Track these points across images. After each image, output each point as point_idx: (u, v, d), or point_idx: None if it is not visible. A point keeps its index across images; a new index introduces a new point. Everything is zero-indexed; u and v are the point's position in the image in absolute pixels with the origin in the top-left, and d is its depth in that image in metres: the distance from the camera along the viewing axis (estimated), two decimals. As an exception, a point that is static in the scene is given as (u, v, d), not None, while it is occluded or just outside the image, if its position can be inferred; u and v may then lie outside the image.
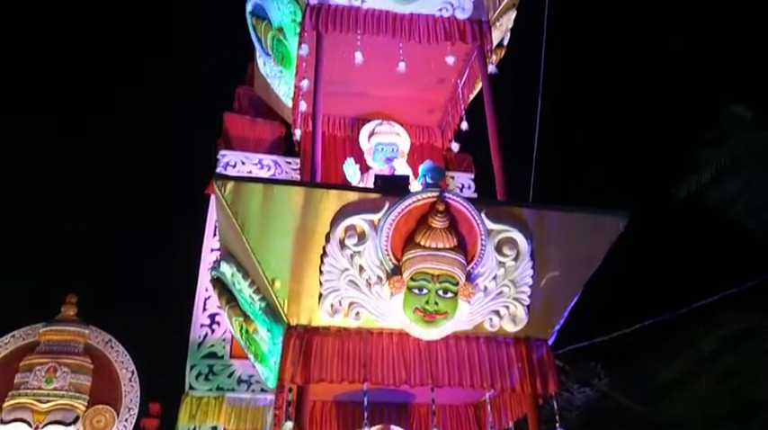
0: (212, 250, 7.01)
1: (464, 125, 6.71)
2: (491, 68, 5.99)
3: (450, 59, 6.01)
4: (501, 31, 6.49)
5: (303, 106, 6.45)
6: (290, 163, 7.75)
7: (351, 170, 6.17)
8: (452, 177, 7.85)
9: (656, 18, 15.73)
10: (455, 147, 7.11)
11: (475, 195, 7.71)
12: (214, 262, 6.26)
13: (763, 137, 7.95)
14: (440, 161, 7.19)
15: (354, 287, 4.44)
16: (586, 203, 5.20)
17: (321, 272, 4.41)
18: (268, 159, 7.73)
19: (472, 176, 7.99)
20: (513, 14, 6.55)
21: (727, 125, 8.33)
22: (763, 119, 8.15)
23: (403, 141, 6.79)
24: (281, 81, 7.07)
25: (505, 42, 6.76)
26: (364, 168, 6.50)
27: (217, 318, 6.71)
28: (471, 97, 6.80)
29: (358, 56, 5.70)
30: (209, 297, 6.75)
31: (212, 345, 6.62)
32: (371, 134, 6.77)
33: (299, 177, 7.37)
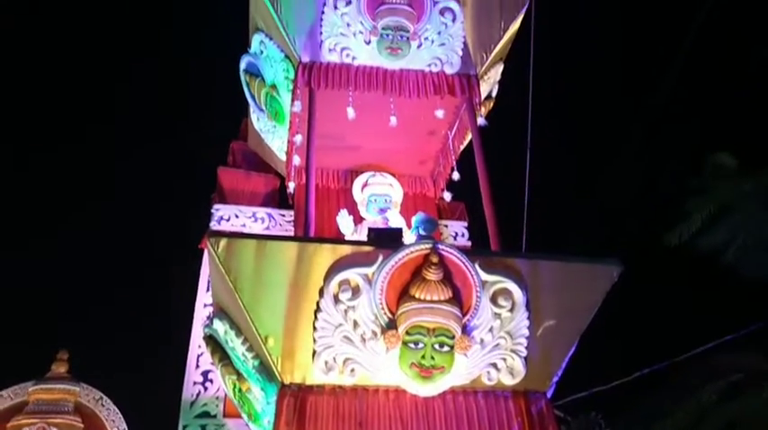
0: (205, 305, 6.92)
1: (455, 175, 6.81)
2: (480, 120, 6.10)
3: (440, 113, 6.13)
4: (489, 84, 6.65)
5: (297, 160, 6.53)
6: (283, 215, 7.75)
7: (344, 222, 6.21)
8: (446, 226, 7.87)
9: (641, 66, 16.15)
10: (447, 196, 7.18)
11: (469, 243, 7.71)
12: (207, 318, 6.17)
13: (749, 184, 8.06)
14: (432, 210, 7.24)
15: (349, 343, 4.38)
16: (581, 252, 5.20)
17: (315, 328, 4.36)
18: (262, 212, 7.74)
19: (465, 224, 8.01)
20: (500, 67, 6.72)
21: (713, 173, 8.46)
22: (748, 166, 8.29)
23: (396, 192, 6.86)
24: (274, 136, 7.17)
25: (494, 94, 6.92)
26: (358, 219, 6.53)
27: (210, 376, 6.57)
28: (462, 147, 6.91)
29: (350, 111, 5.81)
30: (201, 353, 6.62)
31: (205, 404, 6.45)
32: (365, 185, 6.84)
33: (293, 229, 7.38)
